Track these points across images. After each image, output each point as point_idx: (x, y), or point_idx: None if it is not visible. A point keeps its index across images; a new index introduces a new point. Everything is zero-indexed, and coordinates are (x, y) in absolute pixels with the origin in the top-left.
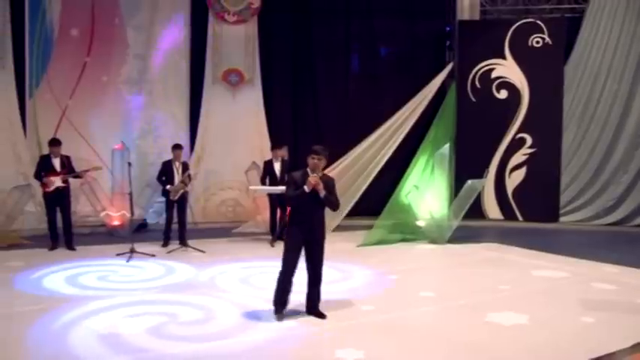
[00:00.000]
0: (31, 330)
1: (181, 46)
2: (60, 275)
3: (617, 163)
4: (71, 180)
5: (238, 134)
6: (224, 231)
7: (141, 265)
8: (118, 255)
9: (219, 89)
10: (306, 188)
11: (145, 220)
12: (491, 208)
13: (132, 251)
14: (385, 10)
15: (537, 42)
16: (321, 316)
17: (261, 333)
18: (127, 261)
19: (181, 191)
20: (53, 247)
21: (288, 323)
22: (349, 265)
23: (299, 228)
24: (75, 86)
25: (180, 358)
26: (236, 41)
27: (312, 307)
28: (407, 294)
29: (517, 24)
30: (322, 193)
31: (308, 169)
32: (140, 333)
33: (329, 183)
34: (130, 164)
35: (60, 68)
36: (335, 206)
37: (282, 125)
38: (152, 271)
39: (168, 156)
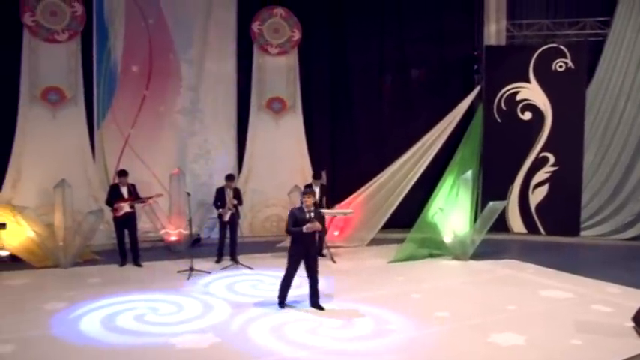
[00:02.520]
0: None
1: (229, 77)
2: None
3: (635, 181)
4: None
5: (281, 157)
6: (269, 244)
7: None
8: (178, 272)
9: (263, 116)
10: (304, 229)
11: (198, 235)
12: (516, 222)
13: (191, 269)
14: (416, 36)
15: (560, 66)
16: (321, 308)
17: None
18: (188, 279)
19: (230, 212)
20: (122, 264)
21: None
22: (379, 285)
23: (298, 249)
24: (136, 117)
25: None
26: (278, 71)
27: (314, 301)
28: (424, 314)
29: (541, 49)
30: (316, 228)
31: (303, 206)
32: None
33: (318, 214)
34: (189, 194)
35: (123, 101)
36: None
37: (322, 147)
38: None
39: (219, 177)
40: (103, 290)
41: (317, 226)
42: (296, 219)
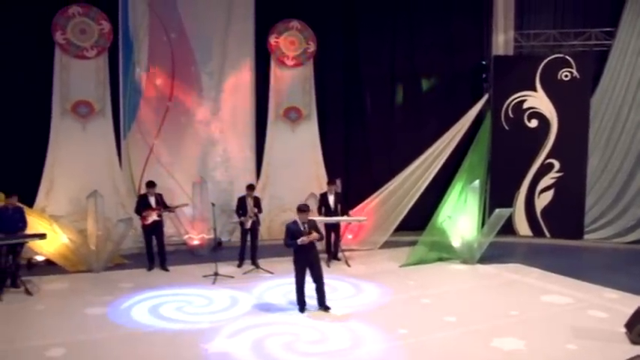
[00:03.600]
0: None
1: (247, 88)
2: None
3: (638, 187)
4: None
5: (297, 164)
6: (286, 247)
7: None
8: (204, 277)
9: (280, 125)
10: (299, 242)
11: (220, 239)
12: (522, 225)
13: (216, 274)
14: (427, 46)
15: (566, 75)
16: (327, 308)
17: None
18: (213, 283)
19: (251, 220)
20: (150, 268)
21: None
22: (392, 289)
23: (300, 258)
24: (159, 127)
25: None
26: (294, 82)
27: (321, 303)
28: (433, 318)
29: (547, 59)
30: (313, 238)
31: (298, 220)
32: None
33: (312, 224)
34: (213, 204)
35: (147, 112)
36: (320, 239)
37: (336, 155)
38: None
39: (238, 183)
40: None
41: (313, 236)
42: (292, 232)
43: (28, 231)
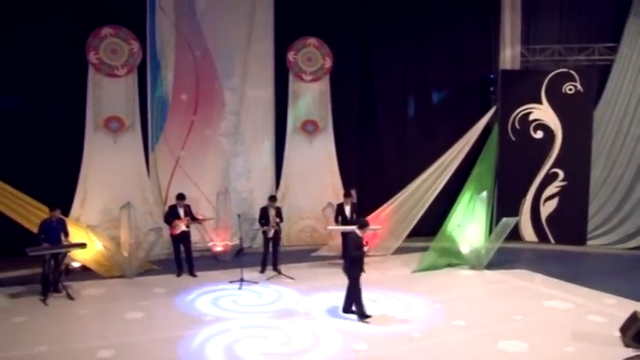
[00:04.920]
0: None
1: (267, 102)
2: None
3: (639, 196)
4: None
5: (315, 173)
6: (304, 253)
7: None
8: (230, 282)
9: (298, 137)
10: (365, 249)
11: (242, 246)
12: (528, 232)
13: (242, 280)
14: (437, 61)
15: (570, 89)
16: (351, 312)
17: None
18: (239, 288)
19: (274, 229)
20: (179, 274)
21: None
22: (404, 295)
23: (359, 268)
24: (185, 140)
25: None
26: (312, 96)
27: (345, 308)
28: (444, 322)
29: (552, 73)
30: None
31: (357, 232)
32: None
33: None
34: (239, 215)
35: (173, 126)
36: None
37: (351, 165)
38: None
39: (259, 192)
40: (170, 299)
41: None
42: (357, 243)
43: (69, 240)
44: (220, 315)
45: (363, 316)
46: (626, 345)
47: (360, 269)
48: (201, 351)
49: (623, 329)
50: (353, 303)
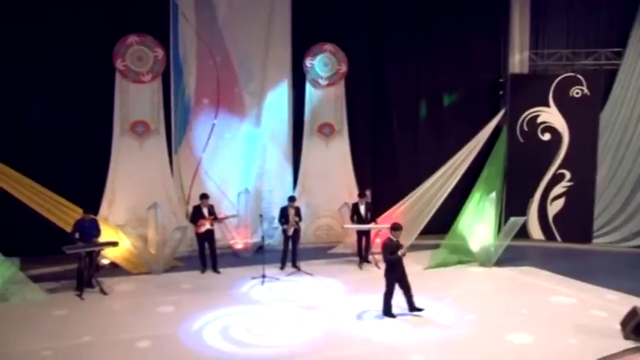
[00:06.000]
0: None
1: (285, 106)
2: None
3: None
4: None
5: (330, 174)
6: (321, 250)
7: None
8: (253, 279)
9: (315, 139)
10: (400, 253)
11: (261, 243)
12: (535, 230)
13: (264, 276)
14: (448, 65)
15: (577, 93)
16: (420, 309)
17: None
18: (262, 284)
19: (293, 228)
20: (203, 271)
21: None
22: (418, 291)
23: (395, 271)
24: (206, 142)
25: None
26: (328, 100)
27: (412, 307)
28: (456, 316)
29: (560, 77)
30: (405, 253)
31: (393, 238)
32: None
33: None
34: (261, 216)
35: (195, 129)
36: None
37: (365, 166)
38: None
39: (278, 192)
40: (197, 295)
41: (404, 251)
42: (391, 248)
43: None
44: (250, 308)
45: (389, 314)
46: (626, 337)
47: (396, 273)
48: (234, 341)
49: (623, 323)
50: (412, 299)
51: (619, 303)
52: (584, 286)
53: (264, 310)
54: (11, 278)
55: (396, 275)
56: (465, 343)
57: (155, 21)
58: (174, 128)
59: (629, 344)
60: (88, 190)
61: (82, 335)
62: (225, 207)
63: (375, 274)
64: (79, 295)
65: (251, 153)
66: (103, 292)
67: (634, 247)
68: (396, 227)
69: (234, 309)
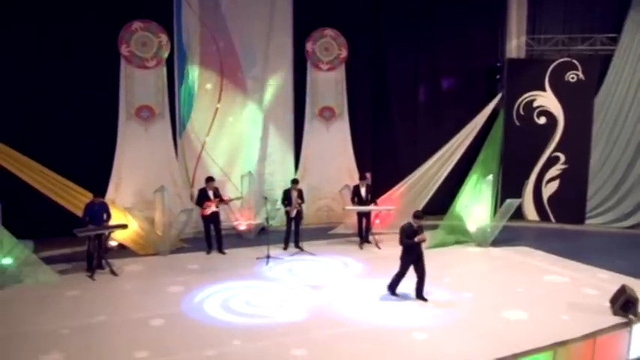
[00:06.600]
0: None
1: (287, 91)
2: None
3: (635, 178)
4: None
5: (331, 157)
6: (321, 231)
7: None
8: (257, 259)
9: (316, 123)
10: (416, 239)
11: (264, 225)
12: (530, 211)
13: (268, 257)
14: (446, 50)
15: (572, 77)
16: (425, 299)
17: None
18: (266, 264)
19: (296, 210)
20: (209, 252)
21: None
22: None
23: (410, 255)
24: (210, 126)
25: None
26: (328, 84)
27: (419, 294)
28: (455, 294)
29: (556, 62)
30: (423, 239)
31: (413, 223)
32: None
33: (421, 227)
34: (266, 198)
35: (199, 114)
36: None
37: (365, 148)
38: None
39: (279, 175)
40: (205, 275)
41: (423, 237)
42: (408, 232)
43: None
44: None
45: (392, 290)
46: (614, 314)
47: (412, 257)
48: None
49: (613, 300)
50: (422, 287)
51: (610, 282)
52: (577, 266)
53: (270, 287)
54: (25, 260)
55: (411, 258)
56: (463, 319)
57: (159, 7)
58: (178, 113)
59: (618, 320)
60: (95, 174)
61: (96, 315)
62: (228, 189)
63: (376, 253)
64: (90, 277)
65: (253, 136)
66: (113, 273)
67: (625, 227)
68: (416, 215)
69: (240, 284)
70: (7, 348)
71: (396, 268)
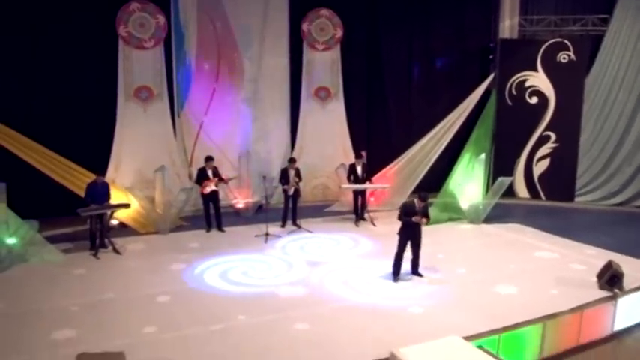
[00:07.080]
0: None
1: (283, 71)
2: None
3: (623, 157)
4: None
5: (327, 136)
6: (317, 208)
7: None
8: (256, 236)
9: (312, 102)
10: (413, 219)
11: (261, 203)
12: (521, 189)
13: (267, 234)
14: (440, 31)
15: (564, 58)
16: (420, 275)
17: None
18: (265, 242)
19: (294, 188)
20: (208, 230)
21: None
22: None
23: (406, 232)
24: (207, 106)
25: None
26: (324, 64)
27: (415, 271)
28: (448, 270)
29: (548, 43)
30: (422, 222)
31: (415, 202)
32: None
33: (425, 210)
34: (264, 177)
35: (197, 94)
36: (427, 223)
37: (360, 128)
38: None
39: (276, 153)
40: (206, 252)
41: (423, 220)
42: (407, 210)
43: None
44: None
45: (395, 276)
46: (601, 288)
47: (407, 234)
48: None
49: (599, 275)
50: (418, 264)
51: (597, 257)
52: (566, 242)
53: (270, 262)
54: (30, 240)
55: (406, 235)
56: (456, 294)
57: None
58: (176, 93)
59: (604, 294)
60: (96, 155)
61: (104, 292)
62: (225, 168)
63: (371, 231)
64: (95, 255)
65: (251, 116)
66: (116, 251)
67: (613, 205)
68: (421, 197)
69: (239, 257)
70: (21, 325)
71: (391, 244)
